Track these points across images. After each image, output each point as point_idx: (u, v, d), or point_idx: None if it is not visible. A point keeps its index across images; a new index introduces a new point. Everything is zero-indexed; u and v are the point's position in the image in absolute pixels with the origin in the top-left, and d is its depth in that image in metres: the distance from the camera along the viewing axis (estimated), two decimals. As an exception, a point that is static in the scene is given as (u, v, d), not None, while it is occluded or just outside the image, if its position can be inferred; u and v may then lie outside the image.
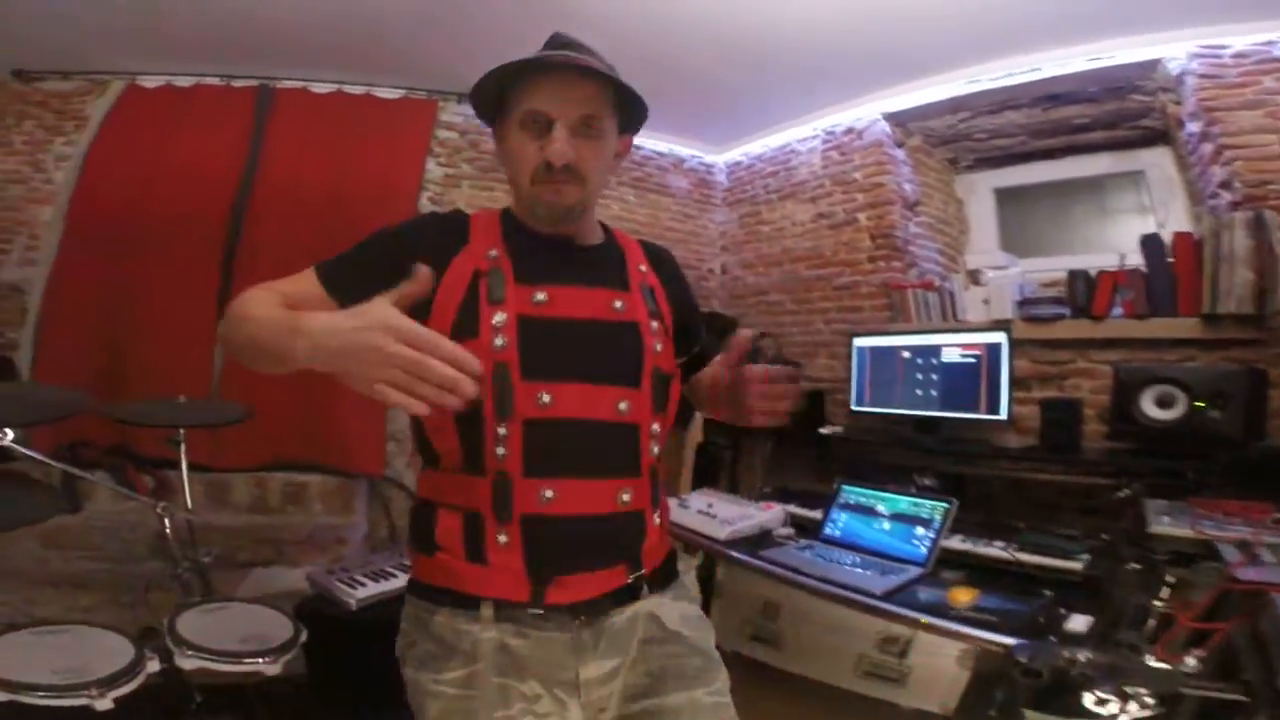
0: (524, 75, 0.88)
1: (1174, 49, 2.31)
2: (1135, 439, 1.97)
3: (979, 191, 3.26)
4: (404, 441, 3.17)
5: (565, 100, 0.87)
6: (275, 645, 1.41)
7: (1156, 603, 1.20)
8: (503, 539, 0.85)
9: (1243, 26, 2.18)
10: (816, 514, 2.20)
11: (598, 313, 0.92)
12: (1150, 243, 2.23)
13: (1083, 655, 1.10)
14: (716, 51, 2.76)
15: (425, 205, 3.21)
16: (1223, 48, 2.22)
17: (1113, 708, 0.99)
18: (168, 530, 1.66)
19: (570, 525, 0.86)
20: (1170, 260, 2.16)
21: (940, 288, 2.68)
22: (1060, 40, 2.46)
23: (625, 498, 0.90)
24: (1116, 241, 2.82)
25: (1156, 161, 2.66)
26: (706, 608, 2.68)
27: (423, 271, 0.71)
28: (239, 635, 1.44)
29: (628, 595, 0.91)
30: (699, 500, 2.35)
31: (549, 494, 0.85)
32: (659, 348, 0.94)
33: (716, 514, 2.18)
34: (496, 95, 0.93)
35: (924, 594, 1.67)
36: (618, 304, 0.93)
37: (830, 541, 2.06)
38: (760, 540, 2.10)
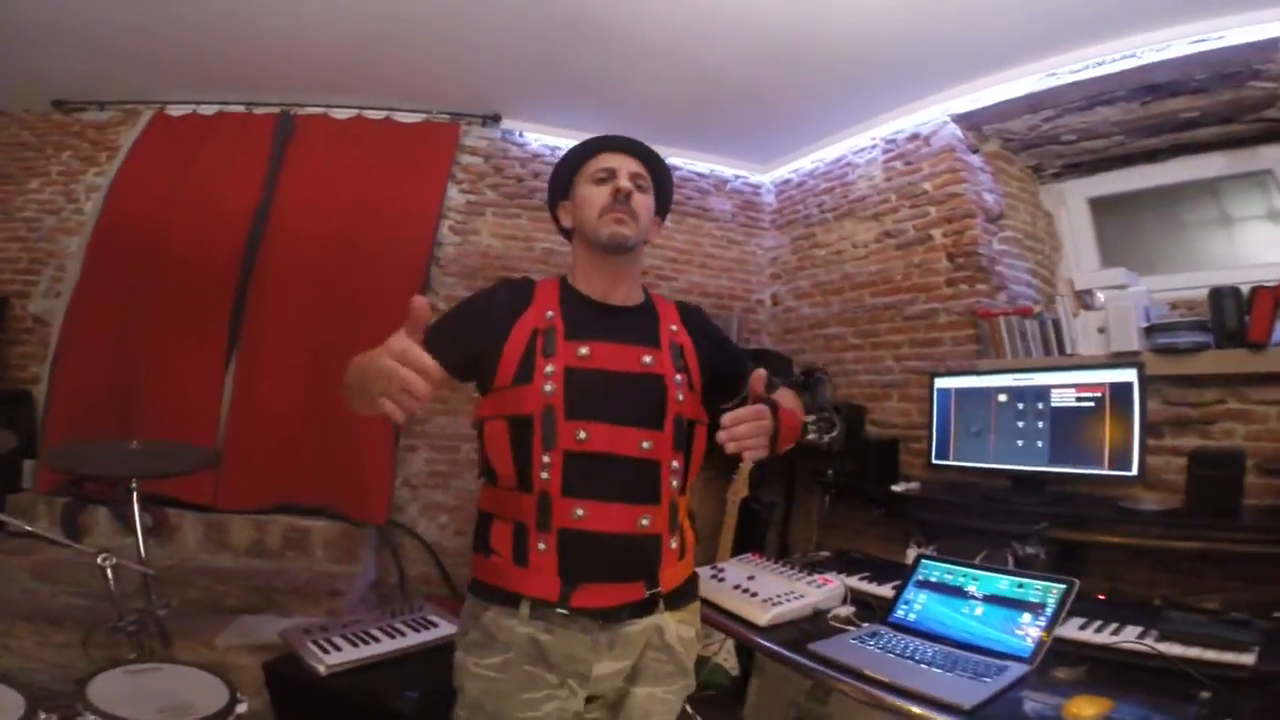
0: (588, 156, 1.21)
1: None
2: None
3: (1069, 202, 2.85)
4: (419, 488, 2.97)
5: (623, 161, 1.19)
6: (198, 719, 1.24)
7: None
8: (542, 546, 1.06)
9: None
10: (885, 590, 1.79)
11: (630, 366, 1.12)
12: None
13: None
14: (758, 59, 2.57)
15: (446, 234, 3.06)
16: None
17: None
18: (109, 581, 1.55)
19: (597, 540, 1.06)
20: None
21: (1041, 314, 2.24)
22: (1158, 21, 2.14)
23: (644, 522, 1.08)
24: (1244, 254, 2.43)
25: (1285, 158, 2.25)
26: (745, 684, 2.31)
27: (418, 302, 0.81)
28: (160, 704, 1.29)
29: (644, 608, 1.11)
30: (737, 571, 1.94)
31: (580, 512, 1.05)
32: (680, 397, 1.13)
33: (758, 591, 1.78)
34: (565, 182, 1.24)
35: (1031, 704, 1.25)
36: (647, 359, 1.13)
37: (902, 628, 1.63)
38: (812, 624, 1.69)
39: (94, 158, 3.09)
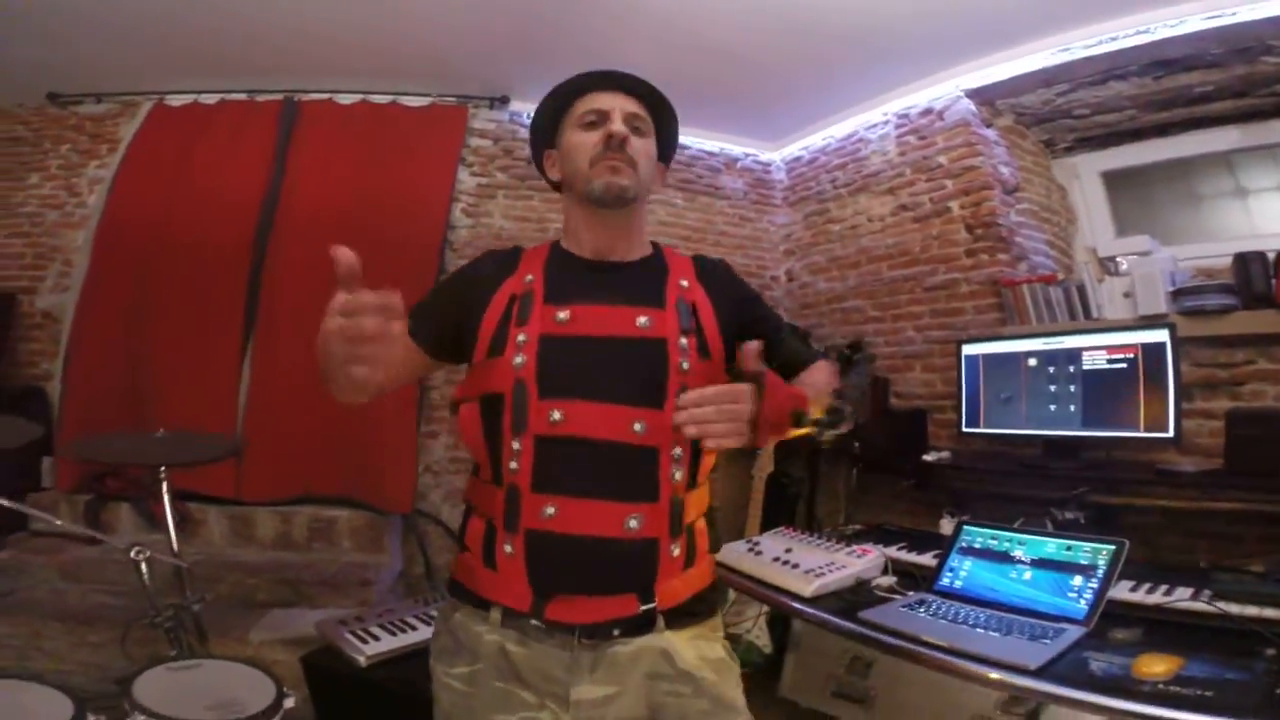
0: (575, 95, 1.01)
1: None
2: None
3: (1083, 176, 2.86)
4: (441, 474, 2.95)
5: (615, 101, 0.99)
6: (246, 716, 1.20)
7: None
8: (508, 549, 0.89)
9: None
10: (927, 559, 1.79)
11: (621, 329, 0.92)
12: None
13: None
14: (768, 35, 2.53)
15: (458, 217, 3.02)
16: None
17: None
18: (144, 575, 1.51)
19: (570, 545, 0.87)
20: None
21: (1065, 281, 2.25)
22: None
23: (633, 524, 0.88)
24: (1260, 225, 2.43)
25: (1300, 131, 2.26)
26: (779, 660, 2.31)
27: (339, 252, 0.68)
28: (207, 701, 1.25)
29: (638, 626, 0.90)
30: (774, 544, 1.94)
31: (550, 510, 0.87)
32: (686, 365, 0.91)
33: (799, 562, 1.78)
34: (550, 127, 1.04)
35: (1097, 663, 1.25)
36: (641, 320, 0.92)
37: (950, 595, 1.64)
38: (855, 595, 1.69)
39: (94, 150, 3.01)
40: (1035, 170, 2.79)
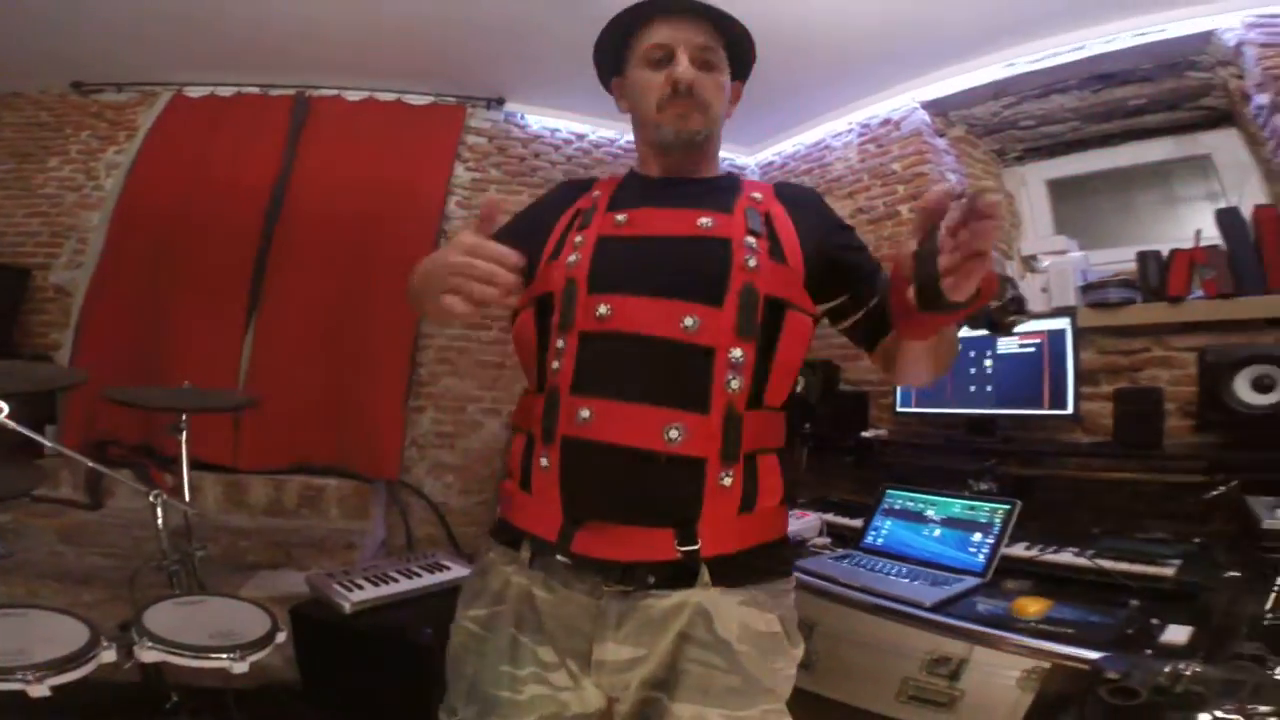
0: (639, 23, 0.92)
1: (1228, 19, 2.12)
2: (1228, 430, 1.71)
3: (1030, 184, 3.02)
4: (426, 447, 3.10)
5: (682, 32, 0.89)
6: (244, 642, 1.30)
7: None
8: (544, 462, 0.80)
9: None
10: (857, 523, 1.98)
11: (680, 229, 0.85)
12: (1227, 217, 1.99)
13: (1189, 669, 0.86)
14: None
15: (453, 209, 3.18)
16: (1278, 15, 2.04)
17: (1237, 733, 0.76)
18: (158, 519, 1.60)
19: (605, 456, 0.76)
20: (1253, 236, 1.92)
21: (992, 279, 2.44)
22: (1105, 15, 2.29)
23: (674, 434, 0.75)
24: (1187, 232, 2.60)
25: (1223, 144, 2.41)
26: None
27: (488, 199, 0.74)
28: (210, 630, 1.33)
29: (677, 576, 0.77)
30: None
31: (585, 414, 0.77)
32: (754, 263, 0.80)
33: (742, 520, 1.97)
34: (614, 56, 0.96)
35: (984, 605, 1.44)
36: (704, 221, 0.84)
37: (872, 551, 1.84)
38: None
39: (113, 137, 3.15)
40: (984, 177, 2.96)
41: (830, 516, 2.10)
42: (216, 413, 2.09)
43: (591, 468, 0.77)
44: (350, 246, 2.97)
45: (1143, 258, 2.07)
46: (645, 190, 0.92)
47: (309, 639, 1.77)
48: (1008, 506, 1.68)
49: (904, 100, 2.91)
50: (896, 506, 1.90)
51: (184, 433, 1.77)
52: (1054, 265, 2.24)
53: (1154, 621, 1.15)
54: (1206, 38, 2.19)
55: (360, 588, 1.82)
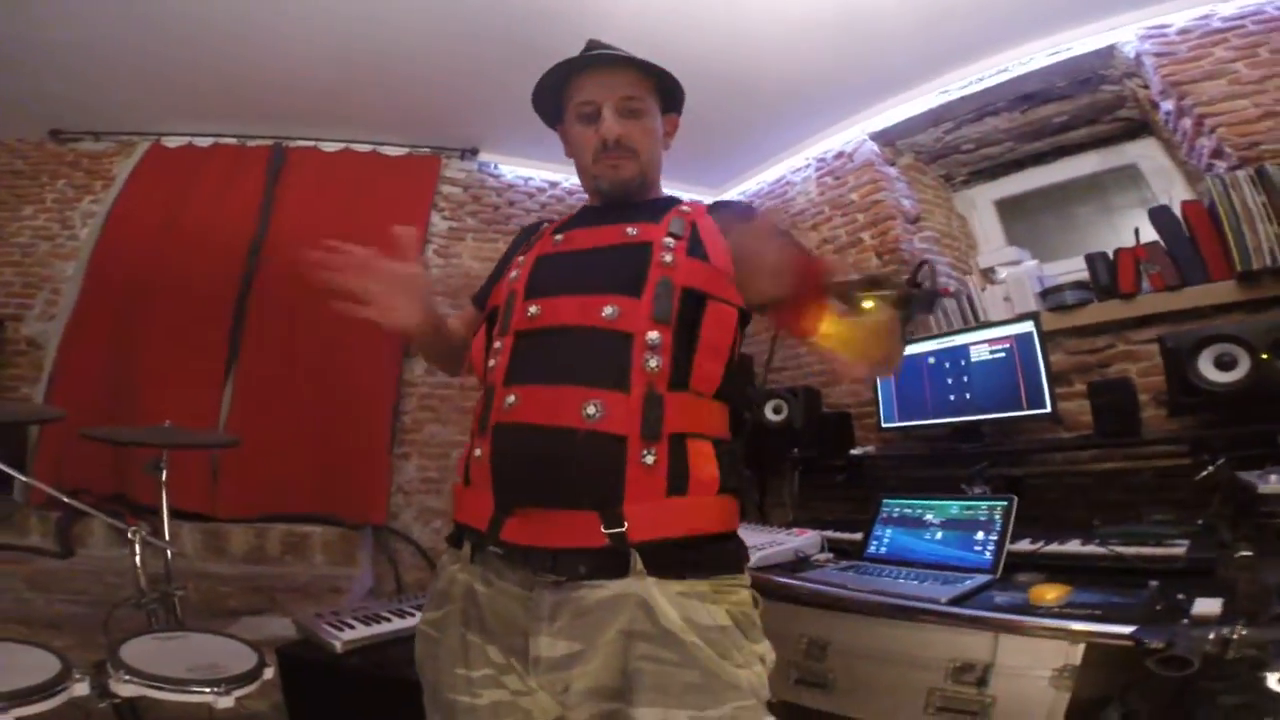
0: (570, 78, 0.96)
1: (1123, 33, 2.27)
2: (1201, 409, 1.73)
3: (979, 205, 3.14)
4: (412, 494, 2.98)
5: (605, 87, 0.94)
6: (229, 675, 1.19)
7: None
8: (478, 452, 0.82)
9: (1178, 3, 2.17)
10: (857, 536, 1.93)
11: (609, 240, 0.90)
12: (1160, 214, 2.09)
13: (1235, 634, 0.83)
14: (710, 94, 2.73)
15: (431, 257, 3.15)
16: (1165, 26, 2.20)
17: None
18: (136, 557, 1.51)
19: (527, 437, 0.77)
20: (1186, 230, 2.01)
21: (957, 293, 2.50)
22: (1021, 36, 2.43)
23: (591, 410, 0.76)
24: (1125, 239, 2.73)
25: (1145, 153, 2.56)
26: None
27: (400, 230, 0.92)
28: (191, 664, 1.23)
29: (609, 565, 0.74)
30: (722, 531, 2.06)
31: (511, 399, 0.80)
32: (669, 259, 0.84)
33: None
34: (554, 105, 1.00)
35: (1001, 598, 1.38)
36: (630, 230, 0.89)
37: (877, 559, 1.78)
38: (796, 567, 1.81)
39: (89, 186, 3.05)
40: (936, 202, 3.07)
41: (829, 533, 2.05)
42: (198, 449, 1.96)
43: (516, 451, 0.78)
44: (329, 296, 2.87)
45: (1091, 259, 2.15)
46: (586, 216, 0.99)
47: (298, 680, 1.63)
48: (1005, 502, 1.66)
49: (854, 133, 3.02)
50: (895, 514, 1.86)
51: (163, 472, 1.66)
52: (1011, 274, 2.30)
53: (1180, 597, 1.12)
54: (1110, 52, 2.33)
55: (351, 627, 1.70)
